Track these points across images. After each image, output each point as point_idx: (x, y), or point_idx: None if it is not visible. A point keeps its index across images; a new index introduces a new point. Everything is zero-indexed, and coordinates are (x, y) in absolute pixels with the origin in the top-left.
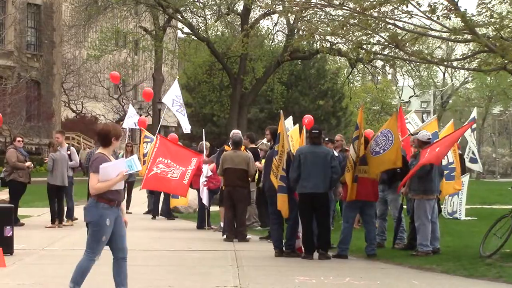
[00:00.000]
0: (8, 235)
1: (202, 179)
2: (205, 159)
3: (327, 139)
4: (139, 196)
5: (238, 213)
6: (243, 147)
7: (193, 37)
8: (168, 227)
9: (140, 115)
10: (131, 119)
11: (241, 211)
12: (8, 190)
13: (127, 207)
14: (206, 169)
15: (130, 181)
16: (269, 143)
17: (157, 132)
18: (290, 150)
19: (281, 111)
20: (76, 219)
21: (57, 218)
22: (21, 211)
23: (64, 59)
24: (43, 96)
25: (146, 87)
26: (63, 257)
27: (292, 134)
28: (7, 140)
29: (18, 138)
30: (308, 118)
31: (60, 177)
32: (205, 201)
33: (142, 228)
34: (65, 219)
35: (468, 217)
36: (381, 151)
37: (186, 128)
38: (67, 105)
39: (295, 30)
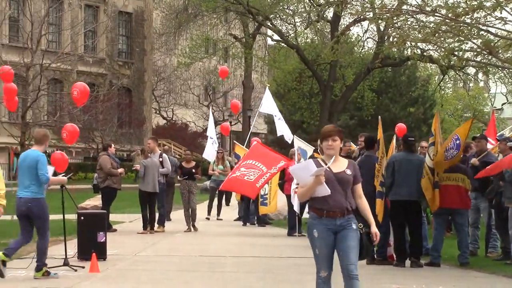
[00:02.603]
0: (102, 240)
1: (293, 186)
2: None
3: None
4: (231, 203)
5: None
6: None
7: (282, 44)
8: (258, 233)
9: (230, 122)
10: (212, 130)
11: None
12: (100, 196)
13: (218, 214)
14: None
15: None
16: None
17: (247, 138)
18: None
19: (379, 117)
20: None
21: (149, 224)
22: (113, 217)
23: (154, 66)
24: (134, 103)
25: (235, 94)
26: (156, 263)
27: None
28: (99, 147)
29: (113, 145)
30: (400, 126)
31: (151, 184)
32: (296, 208)
33: (233, 234)
34: (156, 225)
35: None
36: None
37: (289, 136)
38: (157, 112)
39: (386, 37)
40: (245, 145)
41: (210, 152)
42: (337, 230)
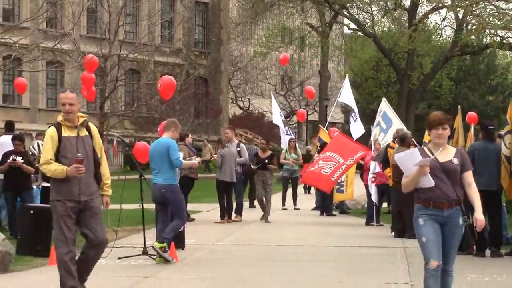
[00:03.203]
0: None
1: (370, 175)
2: (373, 155)
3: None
4: (312, 191)
5: (407, 209)
6: (410, 143)
7: (359, 33)
8: (335, 223)
9: (307, 111)
10: (277, 116)
11: (410, 208)
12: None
13: (294, 203)
14: (374, 165)
15: (294, 177)
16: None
17: (324, 128)
18: (464, 146)
19: (459, 106)
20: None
21: (226, 213)
22: (190, 207)
23: (231, 56)
24: (210, 93)
25: (312, 83)
26: (234, 252)
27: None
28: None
29: (190, 135)
30: (470, 115)
31: (228, 173)
32: (373, 197)
33: (310, 223)
34: (234, 214)
35: None
36: None
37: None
38: (234, 102)
39: (464, 25)
40: None
41: (284, 141)
42: (444, 222)
